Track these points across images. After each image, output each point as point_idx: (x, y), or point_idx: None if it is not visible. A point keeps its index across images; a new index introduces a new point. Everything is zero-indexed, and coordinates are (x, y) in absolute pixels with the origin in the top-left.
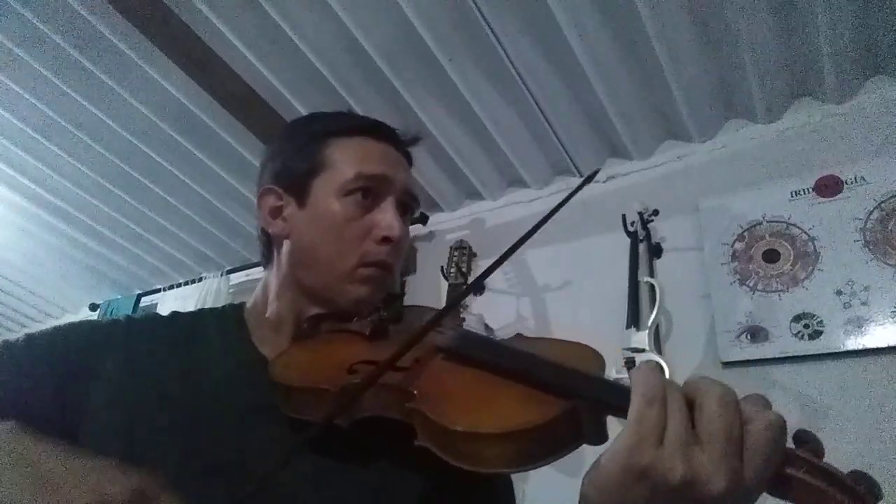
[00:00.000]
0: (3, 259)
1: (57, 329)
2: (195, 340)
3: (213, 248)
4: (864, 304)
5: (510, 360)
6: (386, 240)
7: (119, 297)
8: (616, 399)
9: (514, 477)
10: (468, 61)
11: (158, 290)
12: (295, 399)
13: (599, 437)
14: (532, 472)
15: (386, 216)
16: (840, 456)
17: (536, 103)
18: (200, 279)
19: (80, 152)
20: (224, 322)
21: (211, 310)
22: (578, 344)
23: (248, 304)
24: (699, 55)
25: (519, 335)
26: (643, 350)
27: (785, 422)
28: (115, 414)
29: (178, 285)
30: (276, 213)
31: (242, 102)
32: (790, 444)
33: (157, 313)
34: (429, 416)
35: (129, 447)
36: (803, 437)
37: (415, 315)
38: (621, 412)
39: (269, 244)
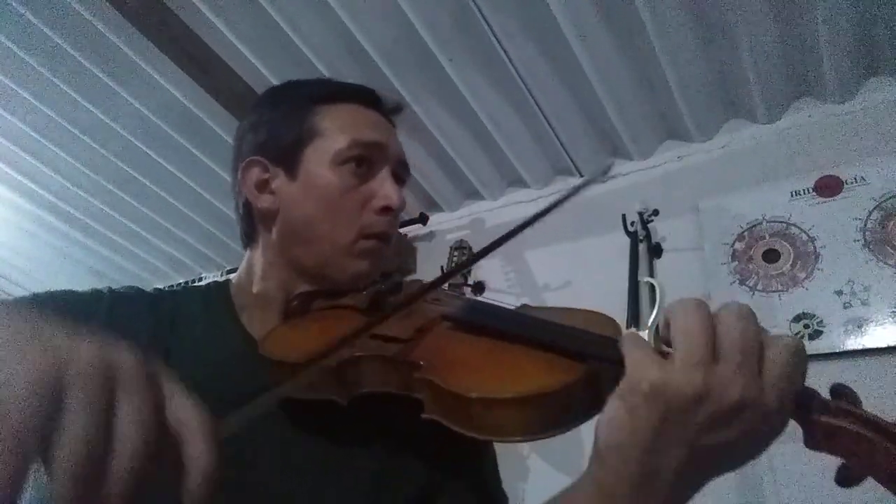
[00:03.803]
0: (3, 259)
1: (35, 297)
2: (180, 321)
3: (213, 248)
4: (864, 304)
5: (523, 326)
6: (386, 209)
7: None
8: None
9: (513, 475)
10: (468, 61)
11: None
12: (289, 376)
13: None
14: (532, 472)
15: (384, 185)
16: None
17: (536, 103)
18: (200, 279)
19: (80, 152)
20: (210, 301)
21: (196, 288)
22: (588, 310)
23: (234, 282)
24: (699, 55)
25: (525, 305)
26: None
27: (804, 348)
28: None
29: (178, 285)
30: (263, 186)
31: (242, 102)
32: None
33: (140, 289)
34: (440, 384)
35: None
36: (840, 390)
37: (413, 289)
38: None
39: (251, 221)
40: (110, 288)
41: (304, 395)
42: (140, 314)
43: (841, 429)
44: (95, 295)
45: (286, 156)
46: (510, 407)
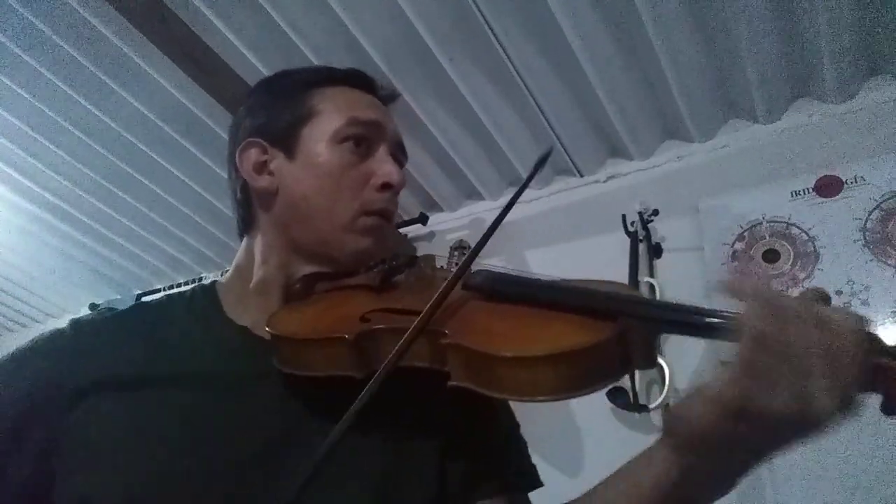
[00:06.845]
0: (3, 259)
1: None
2: (161, 326)
3: (213, 248)
4: (864, 304)
5: (549, 291)
6: (386, 186)
7: (119, 297)
8: (666, 314)
9: None
10: (468, 61)
11: (158, 290)
12: (302, 353)
13: (648, 361)
14: None
15: (384, 163)
16: (840, 456)
17: (536, 103)
18: (200, 279)
19: (80, 152)
20: (193, 302)
21: (180, 294)
22: (606, 280)
23: (224, 278)
24: (699, 55)
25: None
26: None
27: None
28: (95, 446)
29: (178, 285)
30: (261, 167)
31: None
32: None
33: (112, 309)
34: (469, 346)
35: (123, 468)
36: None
37: (422, 264)
38: (675, 328)
39: (249, 206)
40: (73, 320)
41: (321, 373)
42: (113, 336)
43: (880, 366)
44: (55, 337)
45: (284, 136)
46: (544, 365)
